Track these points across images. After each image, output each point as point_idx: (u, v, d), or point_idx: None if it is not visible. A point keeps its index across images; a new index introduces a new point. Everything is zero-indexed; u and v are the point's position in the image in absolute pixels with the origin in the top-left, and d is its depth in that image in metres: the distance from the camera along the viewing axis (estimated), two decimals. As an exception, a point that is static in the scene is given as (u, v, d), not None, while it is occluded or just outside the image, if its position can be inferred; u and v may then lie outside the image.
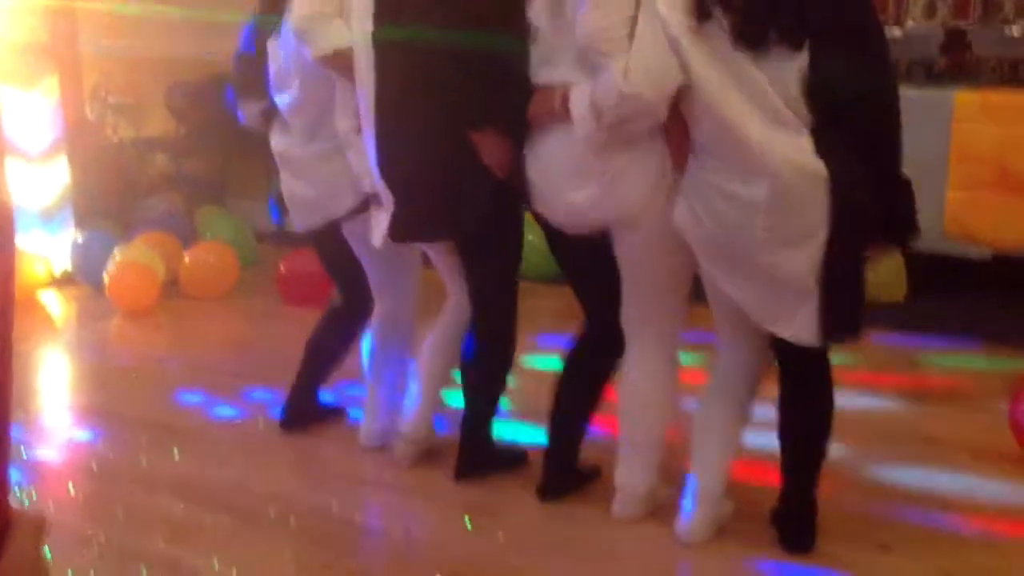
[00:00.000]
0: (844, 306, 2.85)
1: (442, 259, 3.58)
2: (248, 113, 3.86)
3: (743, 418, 3.11)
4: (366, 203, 3.53)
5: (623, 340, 3.24)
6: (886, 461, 3.70)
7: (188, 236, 6.36)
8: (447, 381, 3.66)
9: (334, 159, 3.57)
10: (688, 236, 2.93)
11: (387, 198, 3.36)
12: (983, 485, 3.52)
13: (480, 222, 3.29)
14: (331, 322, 3.97)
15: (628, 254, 3.11)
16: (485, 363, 3.52)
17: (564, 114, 2.96)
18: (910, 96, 5.23)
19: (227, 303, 5.88)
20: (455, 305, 3.61)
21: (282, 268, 5.72)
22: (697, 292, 3.13)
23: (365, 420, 3.83)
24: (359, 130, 3.41)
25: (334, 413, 4.09)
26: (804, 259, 2.75)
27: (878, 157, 2.78)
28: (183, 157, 7.34)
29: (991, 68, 5.35)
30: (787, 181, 2.70)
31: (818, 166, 2.69)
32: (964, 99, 5.17)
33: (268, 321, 5.55)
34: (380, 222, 3.44)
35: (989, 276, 5.34)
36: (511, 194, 3.21)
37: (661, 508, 3.22)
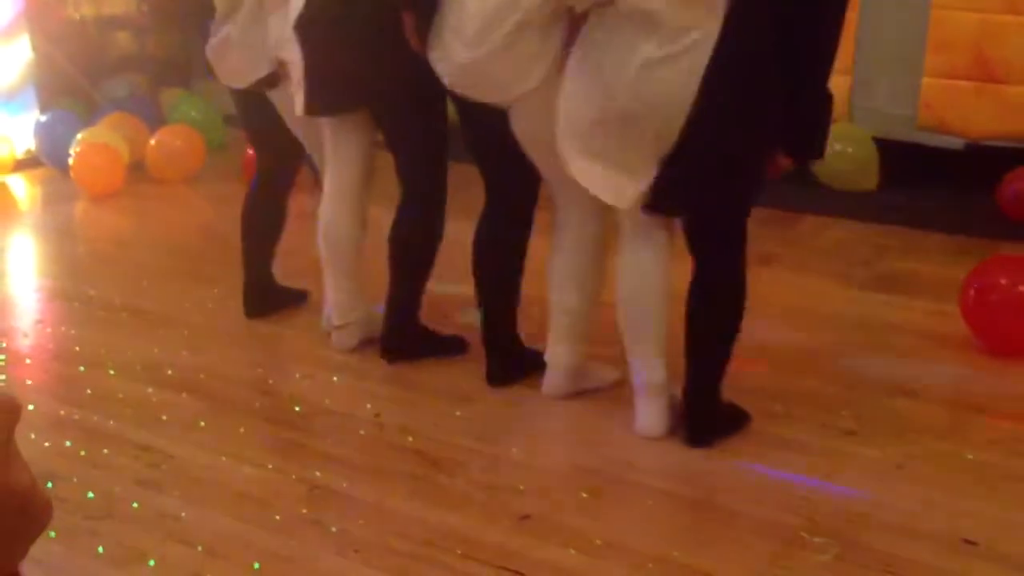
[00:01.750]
0: (682, 193, 2.83)
1: (341, 134, 3.54)
2: None
3: (660, 296, 3.06)
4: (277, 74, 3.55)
5: (528, 208, 3.29)
6: (852, 349, 3.73)
7: (153, 118, 6.25)
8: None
9: (254, 27, 3.56)
10: (563, 91, 2.88)
11: (297, 67, 3.35)
12: (946, 373, 3.57)
13: (398, 91, 3.30)
14: (258, 193, 3.95)
15: (520, 137, 3.11)
16: (411, 240, 3.51)
17: None
18: (889, -19, 5.20)
19: (194, 187, 5.81)
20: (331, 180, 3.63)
21: (250, 152, 5.63)
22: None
23: (326, 304, 3.82)
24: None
25: (297, 297, 4.07)
26: (653, 133, 2.74)
27: (806, 71, 2.73)
28: (146, 35, 7.18)
29: (970, -46, 5.27)
30: (668, 55, 2.67)
31: (700, 56, 2.65)
32: (943, -15, 5.10)
33: (235, 205, 5.46)
34: (295, 90, 3.43)
35: (961, 166, 5.34)
36: (429, 68, 3.18)
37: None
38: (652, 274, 3.04)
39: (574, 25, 2.89)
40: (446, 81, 3.14)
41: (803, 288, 4.27)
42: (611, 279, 3.18)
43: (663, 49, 2.69)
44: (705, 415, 3.06)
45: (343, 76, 3.35)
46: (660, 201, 2.86)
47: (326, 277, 3.70)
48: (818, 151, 2.91)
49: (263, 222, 3.95)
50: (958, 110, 5.12)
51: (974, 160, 5.24)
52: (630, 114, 2.75)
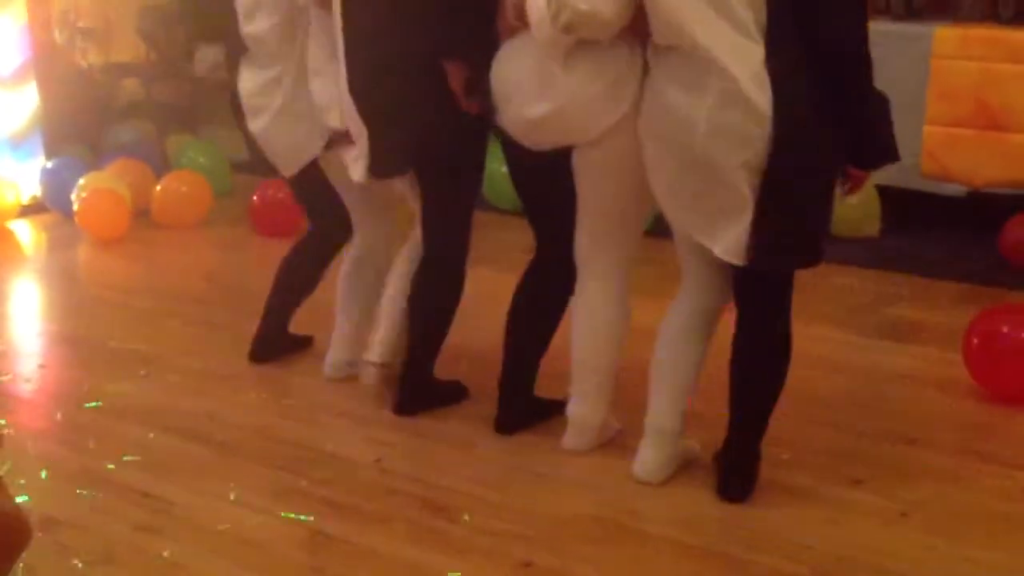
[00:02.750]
0: (783, 227, 2.74)
1: (380, 190, 3.57)
2: (204, 59, 3.79)
3: (700, 357, 3.05)
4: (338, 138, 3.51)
5: (575, 265, 3.23)
6: (857, 397, 3.72)
7: (160, 164, 6.29)
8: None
9: (302, 97, 3.53)
10: (643, 138, 2.88)
11: (358, 131, 3.33)
12: (951, 421, 3.55)
13: (449, 150, 3.29)
14: (302, 252, 3.94)
15: (588, 173, 3.07)
16: (432, 296, 3.50)
17: (521, 26, 2.94)
18: (889, 31, 5.25)
19: (199, 233, 5.82)
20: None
21: (255, 198, 5.66)
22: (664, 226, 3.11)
23: (331, 351, 3.82)
24: (330, 59, 3.38)
25: (301, 343, 4.08)
26: (740, 170, 2.69)
27: (844, 74, 2.68)
28: (153, 83, 7.23)
29: (970, 3, 5.31)
30: (730, 90, 2.65)
31: (762, 81, 2.62)
32: (943, 35, 5.14)
33: (240, 251, 5.51)
34: (356, 157, 3.40)
35: (963, 213, 5.36)
36: (477, 124, 3.19)
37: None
38: (696, 345, 3.02)
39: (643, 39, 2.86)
40: (519, 137, 3.09)
41: (807, 335, 4.24)
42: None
43: (734, 82, 2.64)
44: (746, 469, 3.02)
45: (401, 140, 3.30)
46: (764, 251, 2.74)
47: (381, 316, 3.63)
48: (890, 152, 2.84)
49: (298, 282, 3.93)
50: (961, 158, 5.13)
51: (976, 207, 5.25)
52: (711, 153, 2.70)
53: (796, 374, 3.85)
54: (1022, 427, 3.49)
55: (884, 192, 5.32)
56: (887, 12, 5.38)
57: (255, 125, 3.68)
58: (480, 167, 3.46)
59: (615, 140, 2.96)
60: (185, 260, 5.49)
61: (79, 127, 6.64)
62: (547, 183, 3.17)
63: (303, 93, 3.54)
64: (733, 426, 3.00)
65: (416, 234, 3.58)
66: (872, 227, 5.36)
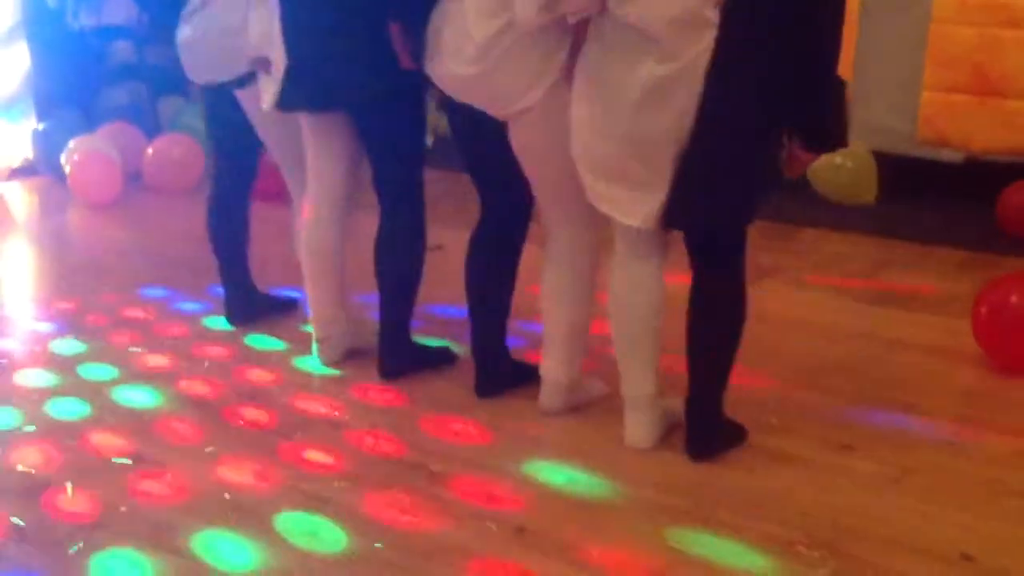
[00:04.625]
0: (695, 200, 2.78)
1: (322, 140, 3.49)
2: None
3: (655, 314, 3.04)
4: (254, 72, 3.49)
5: (523, 221, 3.26)
6: (850, 362, 3.71)
7: (152, 127, 6.25)
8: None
9: (236, 15, 3.50)
10: (574, 102, 2.86)
11: (279, 63, 3.30)
12: (946, 387, 3.55)
13: (379, 95, 3.27)
14: (221, 196, 3.91)
15: (524, 150, 3.08)
16: (395, 257, 3.49)
17: None
18: (888, -5, 5.20)
19: (192, 196, 5.77)
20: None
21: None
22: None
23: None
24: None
25: (284, 305, 4.05)
26: (663, 141, 2.70)
27: (804, 55, 2.66)
28: (146, 45, 7.17)
29: (971, -32, 5.27)
30: (666, 67, 2.64)
31: (703, 54, 2.61)
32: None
33: (234, 215, 5.47)
34: (268, 87, 3.39)
35: (960, 180, 5.34)
36: (415, 80, 3.18)
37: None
38: (646, 289, 3.02)
39: (577, 38, 2.87)
40: (447, 92, 3.12)
41: (802, 301, 4.26)
42: (601, 292, 3.17)
43: (664, 65, 2.65)
44: (706, 428, 3.04)
45: (324, 75, 3.29)
46: (676, 216, 2.82)
47: (307, 288, 3.67)
48: (838, 139, 2.85)
49: (229, 229, 3.92)
50: (958, 124, 5.11)
51: (973, 174, 5.23)
52: (638, 136, 2.73)
53: (790, 340, 3.87)
54: (1018, 393, 3.48)
55: (881, 158, 5.30)
56: (887, -24, 5.35)
57: (183, 33, 3.68)
58: (420, 120, 3.43)
59: (544, 116, 2.96)
60: (178, 224, 5.46)
61: (71, 90, 6.60)
62: (487, 146, 3.16)
63: (234, 17, 3.50)
64: (690, 385, 3.02)
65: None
66: (869, 193, 5.34)
